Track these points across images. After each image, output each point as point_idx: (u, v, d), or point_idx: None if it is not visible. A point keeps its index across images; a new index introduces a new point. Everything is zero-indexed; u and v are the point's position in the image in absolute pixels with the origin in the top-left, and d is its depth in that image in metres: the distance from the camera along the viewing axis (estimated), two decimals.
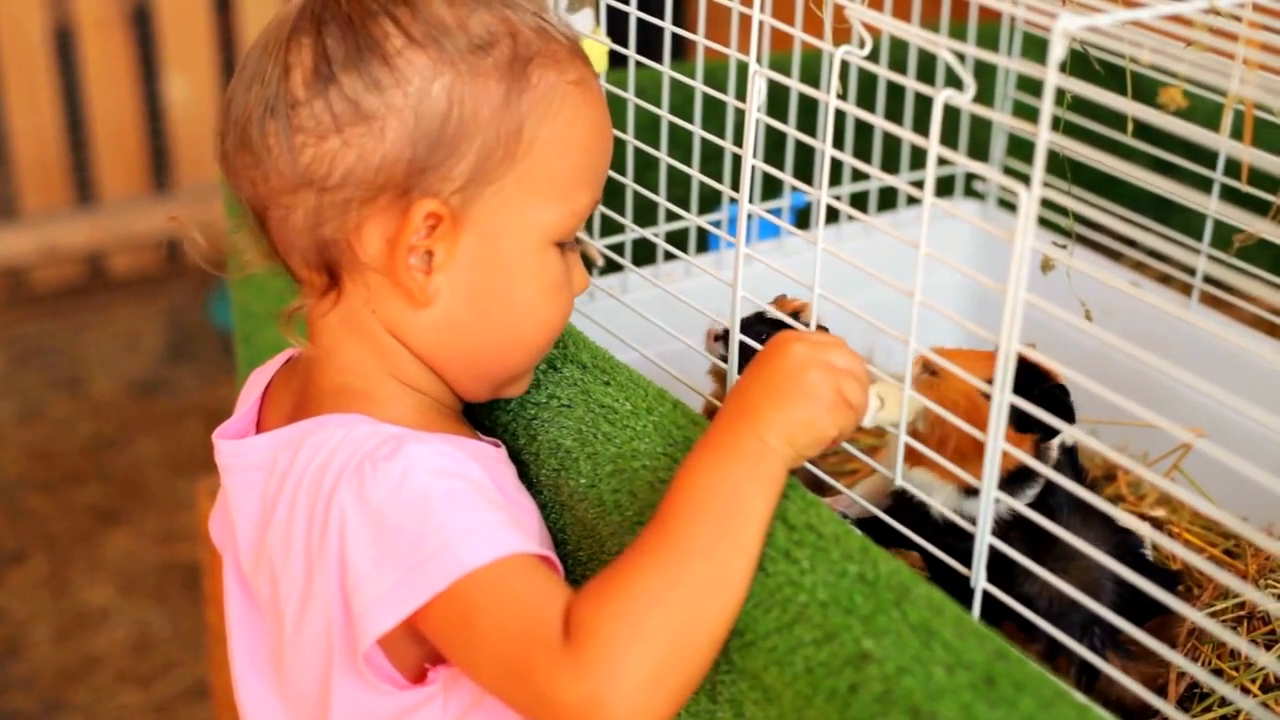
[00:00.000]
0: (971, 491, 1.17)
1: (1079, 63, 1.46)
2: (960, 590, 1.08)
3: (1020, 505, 1.08)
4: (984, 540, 1.09)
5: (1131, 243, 1.73)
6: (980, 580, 1.10)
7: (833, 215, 1.80)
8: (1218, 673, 1.30)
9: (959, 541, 1.14)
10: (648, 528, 1.02)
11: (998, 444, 1.05)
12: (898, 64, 1.88)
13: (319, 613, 1.09)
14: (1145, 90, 1.23)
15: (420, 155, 1.09)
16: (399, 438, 1.08)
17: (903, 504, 1.21)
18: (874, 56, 1.80)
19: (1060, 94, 1.17)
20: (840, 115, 1.83)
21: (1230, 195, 1.50)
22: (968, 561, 1.10)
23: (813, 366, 1.07)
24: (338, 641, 1.09)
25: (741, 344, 1.25)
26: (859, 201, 1.87)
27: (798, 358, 1.07)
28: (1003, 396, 1.03)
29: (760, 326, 1.30)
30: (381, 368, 1.16)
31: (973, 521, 1.11)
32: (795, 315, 1.30)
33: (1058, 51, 0.93)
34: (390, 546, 1.03)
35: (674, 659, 0.96)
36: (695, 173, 1.44)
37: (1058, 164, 1.35)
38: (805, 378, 1.06)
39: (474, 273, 1.12)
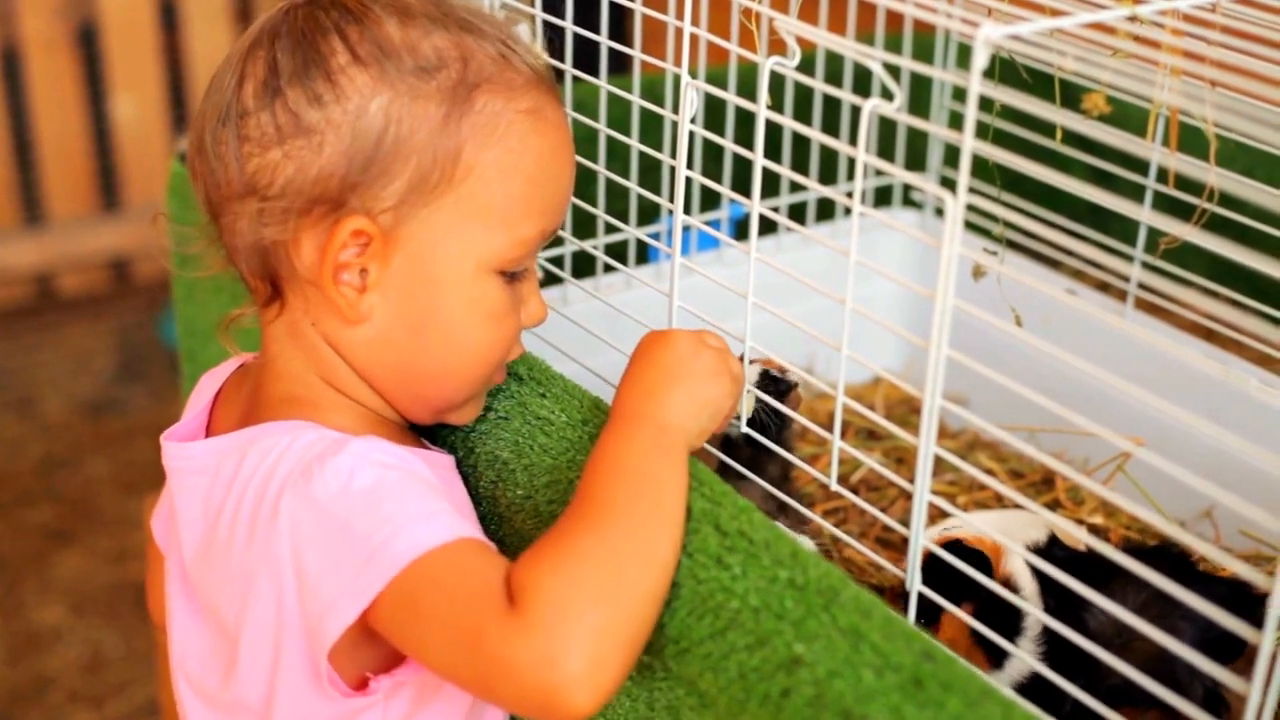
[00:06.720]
0: None
1: (1012, 73, 1.48)
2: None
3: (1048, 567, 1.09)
4: (917, 542, 1.10)
5: (1070, 250, 1.74)
6: (915, 583, 1.11)
7: (772, 226, 1.81)
8: None
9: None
10: (572, 501, 1.05)
11: (929, 446, 1.06)
12: (834, 77, 1.90)
13: (264, 617, 1.09)
14: (1076, 99, 1.24)
15: (354, 171, 1.09)
16: (343, 439, 1.09)
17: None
18: (809, 69, 1.81)
19: (991, 103, 1.19)
20: (778, 128, 1.84)
21: (1165, 201, 1.52)
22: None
23: (704, 350, 1.15)
24: (288, 646, 1.09)
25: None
26: (798, 212, 1.88)
27: (688, 343, 1.15)
28: (934, 401, 1.04)
29: (768, 386, 1.29)
30: (323, 378, 1.17)
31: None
32: (783, 371, 1.30)
33: (980, 59, 0.95)
34: (344, 542, 1.03)
35: (615, 615, 0.97)
36: (634, 186, 1.45)
37: (999, 174, 1.37)
38: (701, 360, 1.14)
39: (406, 293, 1.13)
